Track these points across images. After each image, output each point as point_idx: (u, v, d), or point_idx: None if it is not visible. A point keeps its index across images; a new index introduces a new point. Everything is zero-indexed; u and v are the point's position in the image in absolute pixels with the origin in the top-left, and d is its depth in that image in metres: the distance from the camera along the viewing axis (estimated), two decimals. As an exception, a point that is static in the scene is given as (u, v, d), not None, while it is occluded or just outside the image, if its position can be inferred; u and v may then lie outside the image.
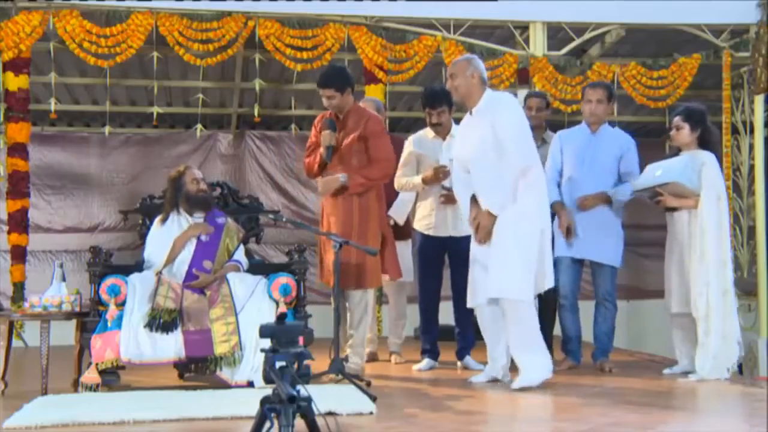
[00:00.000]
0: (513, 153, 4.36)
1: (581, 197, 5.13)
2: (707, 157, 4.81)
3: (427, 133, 5.52)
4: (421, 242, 5.57)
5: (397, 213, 5.67)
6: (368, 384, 4.50)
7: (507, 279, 4.35)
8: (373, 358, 5.84)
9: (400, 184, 5.53)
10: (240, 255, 5.06)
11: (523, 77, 7.38)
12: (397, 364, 5.70)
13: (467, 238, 5.44)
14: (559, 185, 5.26)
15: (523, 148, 4.41)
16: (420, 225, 5.54)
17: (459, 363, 5.52)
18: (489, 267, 4.43)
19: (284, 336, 2.49)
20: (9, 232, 7.03)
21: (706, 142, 4.90)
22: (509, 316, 4.41)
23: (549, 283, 4.51)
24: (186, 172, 5.05)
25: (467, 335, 5.49)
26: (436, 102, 5.38)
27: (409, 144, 5.53)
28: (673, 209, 4.90)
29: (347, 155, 4.93)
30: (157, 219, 5.03)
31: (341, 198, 4.92)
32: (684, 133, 4.89)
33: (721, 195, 4.79)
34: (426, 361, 5.45)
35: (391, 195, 5.61)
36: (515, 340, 4.45)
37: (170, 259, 4.84)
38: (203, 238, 4.91)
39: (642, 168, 5.14)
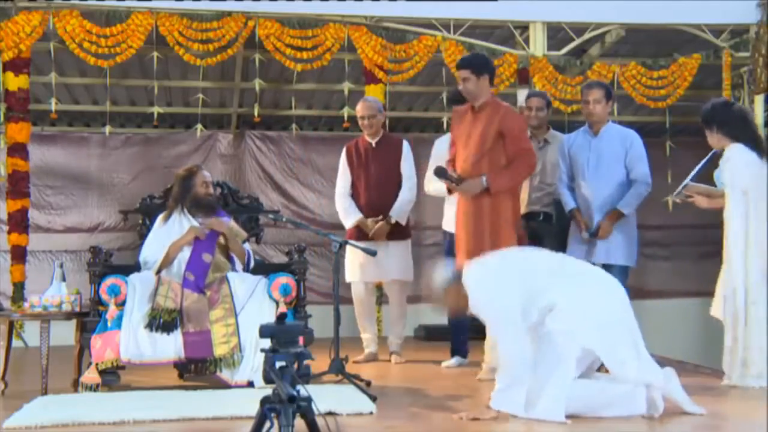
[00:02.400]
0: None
1: (601, 230, 5.05)
2: (732, 151, 4.56)
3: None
4: (449, 242, 5.57)
5: (399, 214, 5.70)
6: (368, 384, 4.50)
7: None
8: (373, 358, 5.84)
9: (429, 190, 5.69)
10: (246, 246, 5.07)
11: (523, 77, 7.37)
12: (397, 364, 5.70)
13: None
14: (572, 190, 5.24)
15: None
16: (450, 225, 5.54)
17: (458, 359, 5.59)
18: None
19: (284, 336, 2.49)
20: (9, 232, 7.02)
21: (736, 135, 4.61)
22: None
23: None
24: (197, 173, 5.03)
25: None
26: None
27: (436, 147, 5.69)
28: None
29: (479, 152, 4.71)
30: (161, 216, 5.02)
31: (472, 200, 4.72)
32: (711, 136, 4.72)
33: (749, 189, 4.52)
34: (455, 359, 5.56)
35: (392, 195, 5.64)
36: None
37: (164, 265, 4.81)
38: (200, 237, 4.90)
39: (650, 161, 5.14)
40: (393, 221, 5.68)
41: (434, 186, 5.50)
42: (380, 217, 5.65)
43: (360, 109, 5.84)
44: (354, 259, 5.73)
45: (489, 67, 4.81)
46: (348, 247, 5.55)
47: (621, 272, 4.98)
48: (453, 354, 5.63)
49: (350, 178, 5.81)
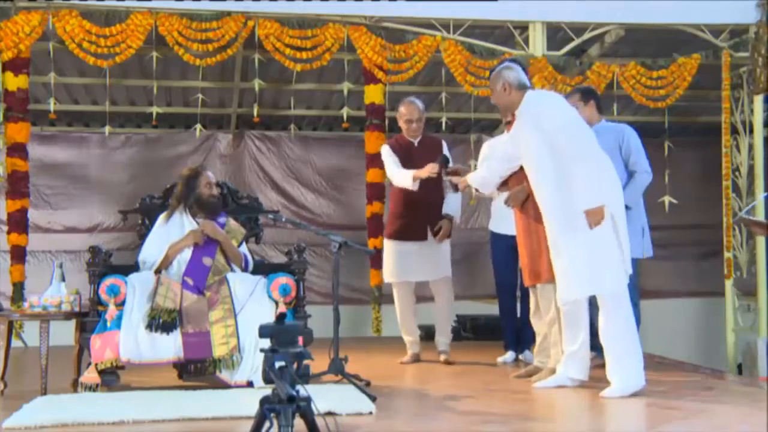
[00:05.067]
0: (565, 144, 4.24)
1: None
2: None
3: (502, 137, 5.60)
4: (494, 241, 5.68)
5: (456, 212, 5.69)
6: (368, 384, 4.50)
7: (596, 274, 4.20)
8: (417, 358, 5.77)
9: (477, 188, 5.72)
10: (244, 249, 5.06)
11: (522, 77, 7.37)
12: (448, 365, 5.62)
13: None
14: None
15: (575, 138, 4.27)
16: (496, 227, 5.67)
17: (520, 356, 5.72)
18: (573, 264, 4.25)
19: (284, 336, 2.50)
20: (9, 232, 7.02)
21: None
22: (604, 313, 4.25)
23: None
24: (202, 174, 5.05)
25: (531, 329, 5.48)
26: None
27: (485, 148, 5.73)
28: None
29: None
30: (162, 215, 5.02)
31: (522, 209, 4.75)
32: None
33: None
34: (510, 354, 5.72)
35: (441, 193, 5.65)
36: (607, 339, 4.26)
37: (163, 266, 4.81)
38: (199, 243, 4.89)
39: (648, 161, 5.16)
40: (456, 221, 5.68)
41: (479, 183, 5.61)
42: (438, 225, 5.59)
43: (407, 111, 5.74)
44: (397, 259, 5.64)
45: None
46: (387, 246, 5.64)
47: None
48: (507, 348, 5.74)
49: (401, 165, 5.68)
